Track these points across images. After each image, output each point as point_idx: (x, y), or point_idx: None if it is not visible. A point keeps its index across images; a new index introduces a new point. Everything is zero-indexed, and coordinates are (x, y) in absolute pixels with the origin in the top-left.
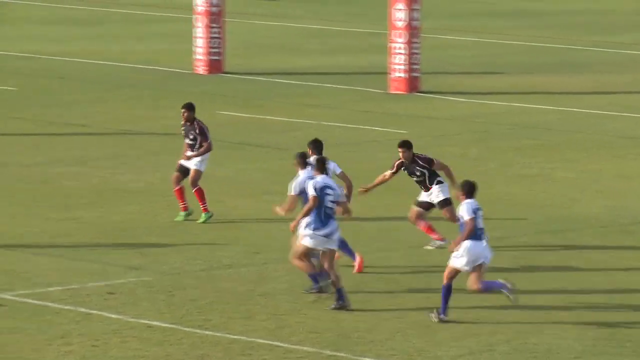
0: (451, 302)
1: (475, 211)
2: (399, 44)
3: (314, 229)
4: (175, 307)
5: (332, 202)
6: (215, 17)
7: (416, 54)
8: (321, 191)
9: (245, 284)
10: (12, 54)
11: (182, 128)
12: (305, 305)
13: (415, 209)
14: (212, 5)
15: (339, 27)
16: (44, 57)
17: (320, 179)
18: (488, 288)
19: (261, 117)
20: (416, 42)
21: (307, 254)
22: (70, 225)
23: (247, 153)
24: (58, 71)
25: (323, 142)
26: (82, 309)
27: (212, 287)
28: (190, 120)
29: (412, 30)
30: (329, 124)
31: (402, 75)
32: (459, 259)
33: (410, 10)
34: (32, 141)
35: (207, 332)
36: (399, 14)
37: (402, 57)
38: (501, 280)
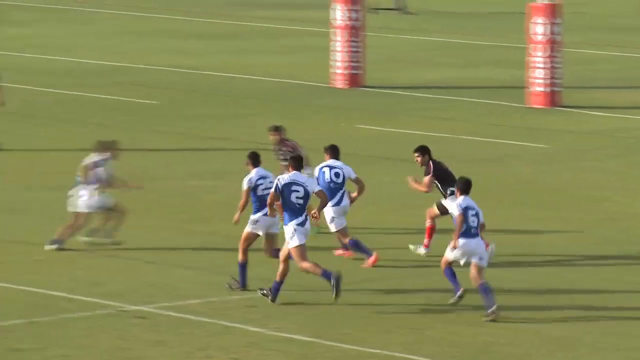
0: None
1: (464, 209)
2: (538, 58)
3: (297, 224)
4: (315, 321)
5: (299, 197)
6: (355, 31)
7: (557, 68)
8: (286, 188)
9: (382, 297)
10: (154, 68)
11: (274, 150)
12: (443, 319)
13: (435, 209)
14: (352, 19)
15: (476, 40)
16: (184, 70)
17: (287, 176)
18: (486, 291)
19: (398, 130)
20: (557, 57)
21: (304, 252)
22: (210, 238)
23: (385, 166)
24: (198, 85)
25: (339, 147)
26: (223, 322)
27: (349, 300)
28: (280, 141)
29: (553, 45)
30: (467, 138)
31: (542, 89)
32: (452, 252)
33: (552, 24)
34: (172, 155)
35: (346, 346)
36: (538, 28)
37: (542, 71)
38: (492, 301)
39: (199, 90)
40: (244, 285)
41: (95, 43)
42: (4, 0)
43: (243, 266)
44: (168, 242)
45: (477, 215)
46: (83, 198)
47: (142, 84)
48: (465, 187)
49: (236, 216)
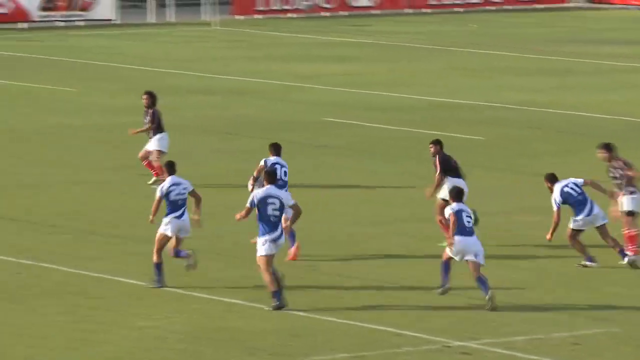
0: None
1: (457, 212)
2: None
3: (271, 240)
4: None
5: (275, 210)
6: None
7: None
8: (261, 202)
9: None
10: (481, 104)
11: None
12: None
13: (441, 202)
14: None
15: None
16: (513, 107)
17: (260, 190)
18: (481, 282)
19: None
20: None
21: (269, 263)
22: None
23: None
24: (528, 121)
25: (282, 146)
26: None
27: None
28: (610, 159)
29: None
30: None
31: None
32: (450, 249)
33: None
34: (498, 190)
35: None
36: None
37: None
38: (488, 288)
39: (529, 126)
40: (161, 284)
41: (419, 79)
42: (328, 37)
43: (158, 266)
44: (496, 276)
45: (470, 216)
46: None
47: (466, 119)
48: (457, 195)
49: (150, 217)
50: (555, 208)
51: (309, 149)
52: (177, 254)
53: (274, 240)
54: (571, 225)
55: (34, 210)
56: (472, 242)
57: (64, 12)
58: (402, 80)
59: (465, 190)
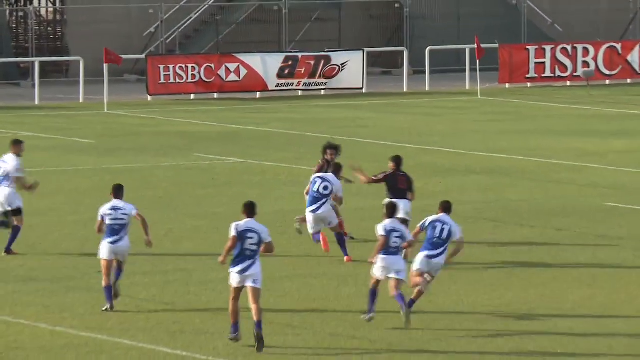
0: None
1: (388, 231)
2: None
3: (237, 271)
4: None
5: (252, 244)
6: None
7: None
8: (241, 234)
9: None
10: None
11: None
12: None
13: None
14: None
15: None
16: None
17: (242, 222)
18: (400, 299)
19: None
20: None
21: (236, 296)
22: None
23: None
24: None
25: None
26: None
27: None
28: None
29: None
30: None
31: None
32: (374, 269)
33: None
34: None
35: None
36: None
37: None
38: (405, 303)
39: None
40: (112, 307)
41: None
42: (610, 108)
43: (108, 289)
44: None
45: (401, 237)
46: None
47: None
48: (390, 211)
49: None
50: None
51: (586, 238)
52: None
53: (241, 272)
54: None
55: None
56: (396, 260)
57: (305, 80)
58: None
59: (403, 208)
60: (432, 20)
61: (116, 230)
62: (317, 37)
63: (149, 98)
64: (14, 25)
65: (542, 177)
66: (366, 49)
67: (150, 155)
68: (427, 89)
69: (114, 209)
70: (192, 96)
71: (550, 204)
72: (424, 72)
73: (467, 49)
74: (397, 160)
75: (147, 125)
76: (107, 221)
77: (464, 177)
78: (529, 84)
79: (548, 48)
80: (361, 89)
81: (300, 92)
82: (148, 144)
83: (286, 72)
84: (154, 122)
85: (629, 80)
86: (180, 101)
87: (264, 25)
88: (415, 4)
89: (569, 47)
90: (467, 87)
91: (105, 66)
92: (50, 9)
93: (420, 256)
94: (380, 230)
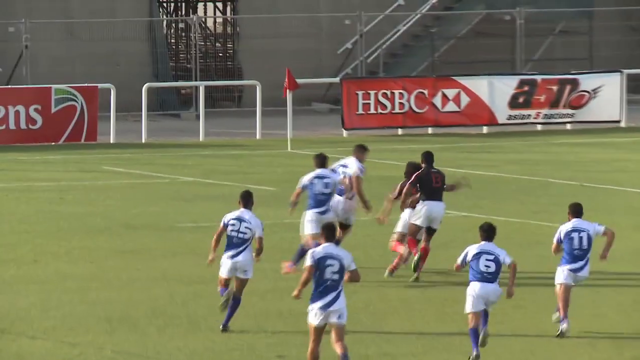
0: None
1: (317, 260)
2: None
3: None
4: None
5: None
6: None
7: None
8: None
9: None
10: None
11: None
12: None
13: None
14: None
15: None
16: None
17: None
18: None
19: None
20: None
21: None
22: None
23: None
24: None
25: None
26: None
27: None
28: None
29: None
30: None
31: None
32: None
33: None
34: None
35: None
36: None
37: None
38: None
39: None
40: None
41: None
42: None
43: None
44: None
45: (338, 268)
46: None
47: None
48: (328, 235)
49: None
50: None
51: None
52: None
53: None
54: None
55: None
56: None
57: (545, 110)
58: None
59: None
60: None
61: (236, 244)
62: (561, 55)
63: (345, 133)
64: (173, 40)
65: None
66: (625, 71)
67: None
68: None
69: (239, 219)
70: (400, 131)
71: None
72: None
73: None
74: (427, 156)
75: None
76: (227, 232)
77: None
78: None
79: None
80: (619, 121)
81: (539, 127)
82: None
83: (521, 100)
84: None
85: None
86: (384, 137)
87: (492, 40)
88: None
89: None
90: None
91: (289, 93)
92: (219, 20)
93: (563, 270)
94: (309, 257)
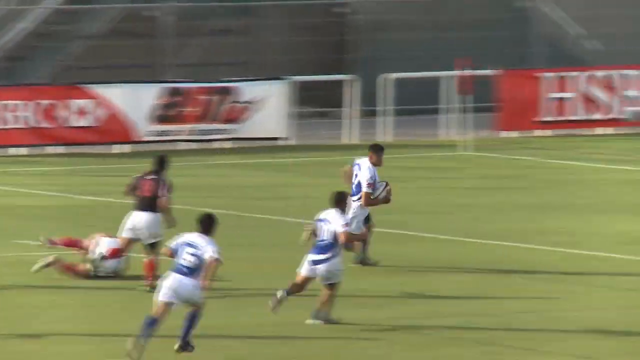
0: None
1: (178, 244)
2: None
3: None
4: None
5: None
6: None
7: None
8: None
9: None
10: None
11: None
12: None
13: None
14: None
15: None
16: None
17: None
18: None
19: None
20: None
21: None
22: None
23: None
24: None
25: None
26: None
27: None
28: None
29: None
30: None
31: None
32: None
33: None
34: None
35: None
36: None
37: None
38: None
39: None
40: None
41: None
42: None
43: None
44: None
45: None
46: None
47: None
48: (205, 226)
49: None
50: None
51: None
52: None
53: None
54: None
55: None
56: (178, 282)
57: (195, 125)
58: None
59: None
60: (395, 30)
61: (321, 247)
62: (215, 59)
63: None
64: None
65: None
66: (293, 78)
67: None
68: (386, 139)
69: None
70: (23, 150)
71: None
72: (381, 114)
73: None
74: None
75: None
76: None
77: None
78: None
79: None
80: (286, 138)
81: (193, 145)
82: None
83: (166, 113)
84: None
85: None
86: (3, 158)
87: (132, 40)
88: (365, 6)
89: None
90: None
91: None
92: None
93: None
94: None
